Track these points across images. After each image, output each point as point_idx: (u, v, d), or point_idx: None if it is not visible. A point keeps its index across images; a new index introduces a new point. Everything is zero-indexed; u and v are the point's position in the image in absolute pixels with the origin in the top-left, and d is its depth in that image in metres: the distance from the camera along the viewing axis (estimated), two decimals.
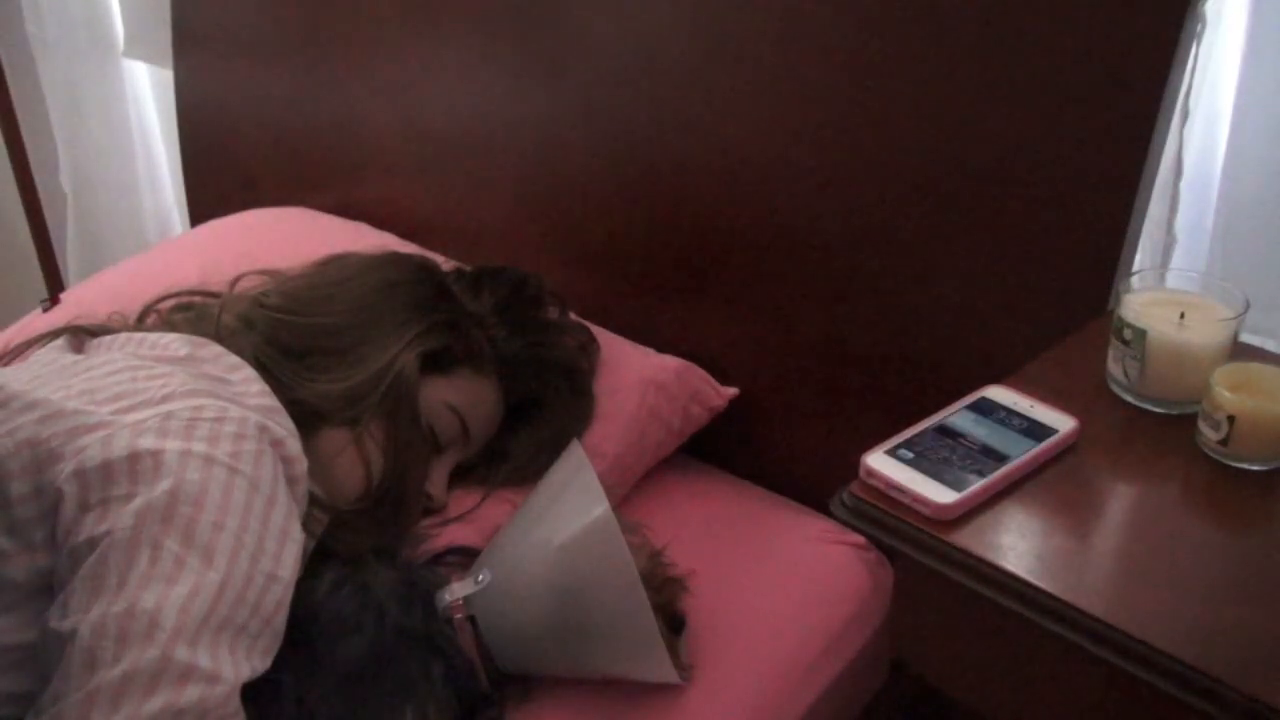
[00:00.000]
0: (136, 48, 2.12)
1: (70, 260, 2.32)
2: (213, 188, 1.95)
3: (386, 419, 1.08)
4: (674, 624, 1.08)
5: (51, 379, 0.97)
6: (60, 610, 0.84)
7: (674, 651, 1.06)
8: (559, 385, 1.24)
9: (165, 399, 0.93)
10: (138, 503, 0.85)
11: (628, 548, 1.00)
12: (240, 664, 0.85)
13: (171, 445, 0.88)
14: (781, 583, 1.23)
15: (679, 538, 1.16)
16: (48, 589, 0.88)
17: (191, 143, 1.95)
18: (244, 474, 0.90)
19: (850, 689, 1.20)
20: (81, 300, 1.44)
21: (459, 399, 1.15)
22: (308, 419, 1.05)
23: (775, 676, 1.13)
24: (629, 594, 0.99)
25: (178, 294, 1.21)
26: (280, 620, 0.90)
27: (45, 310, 1.45)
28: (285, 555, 0.91)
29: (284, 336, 1.10)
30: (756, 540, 1.28)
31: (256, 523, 0.89)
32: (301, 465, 0.98)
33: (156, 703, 0.80)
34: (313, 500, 1.03)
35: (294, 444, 0.97)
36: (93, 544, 0.84)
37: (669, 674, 1.04)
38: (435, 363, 1.13)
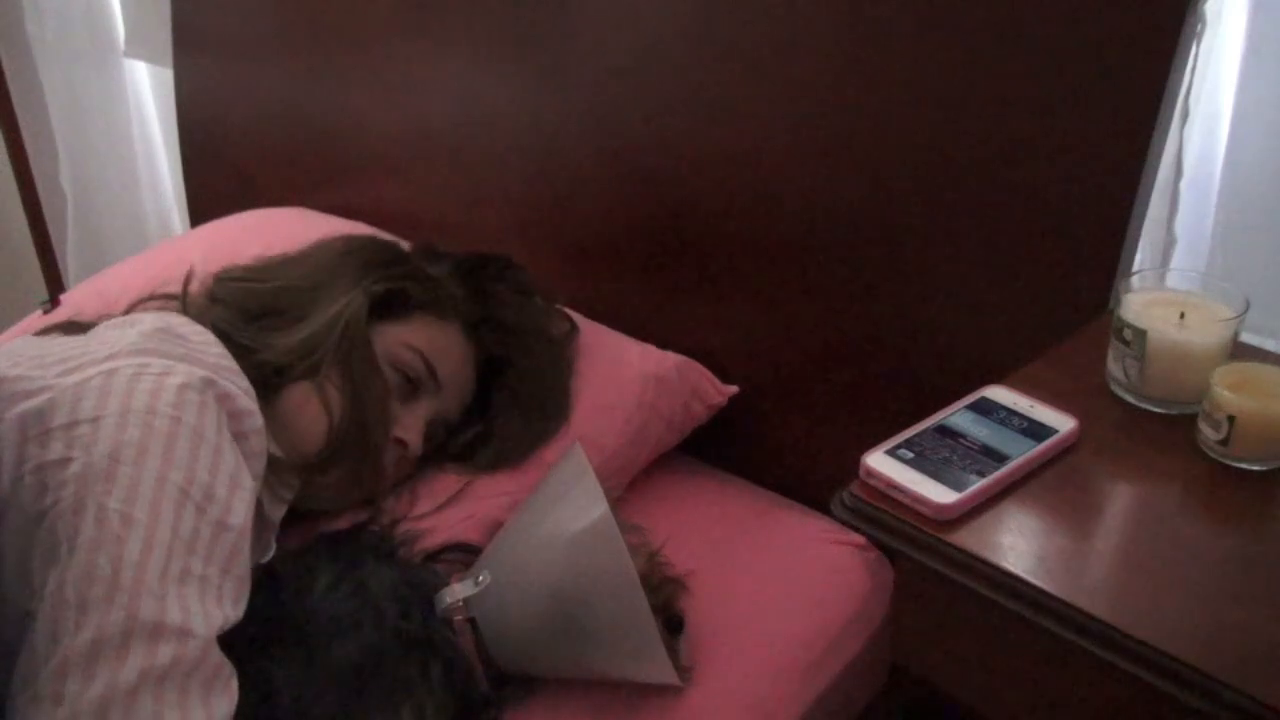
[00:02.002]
0: (136, 48, 2.12)
1: (70, 260, 2.32)
2: (212, 188, 1.95)
3: (342, 362, 1.09)
4: (673, 624, 1.08)
5: (5, 350, 0.98)
6: (27, 592, 0.83)
7: (673, 652, 1.06)
8: (527, 349, 1.25)
9: (111, 357, 0.92)
10: (76, 467, 0.84)
11: (627, 549, 1.00)
12: (211, 613, 0.84)
13: (112, 407, 0.87)
14: (782, 583, 1.23)
15: (679, 538, 1.16)
16: None
17: (191, 143, 1.95)
18: (187, 424, 0.89)
19: (850, 689, 1.20)
20: (82, 302, 1.44)
21: (419, 340, 1.15)
22: (271, 378, 1.06)
23: (775, 676, 1.13)
24: (628, 595, 0.99)
25: (163, 295, 1.21)
26: (241, 567, 0.89)
27: (45, 311, 1.45)
28: (235, 503, 0.90)
29: (243, 301, 1.12)
30: (756, 540, 1.28)
31: (204, 472, 0.88)
32: (253, 420, 0.97)
33: (133, 668, 0.79)
34: (283, 463, 1.03)
35: (245, 400, 0.97)
36: (40, 518, 0.83)
37: (668, 675, 1.04)
38: (390, 308, 1.14)
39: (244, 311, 1.10)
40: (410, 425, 1.15)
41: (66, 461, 0.85)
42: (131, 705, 0.78)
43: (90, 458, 0.85)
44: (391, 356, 1.13)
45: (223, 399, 0.94)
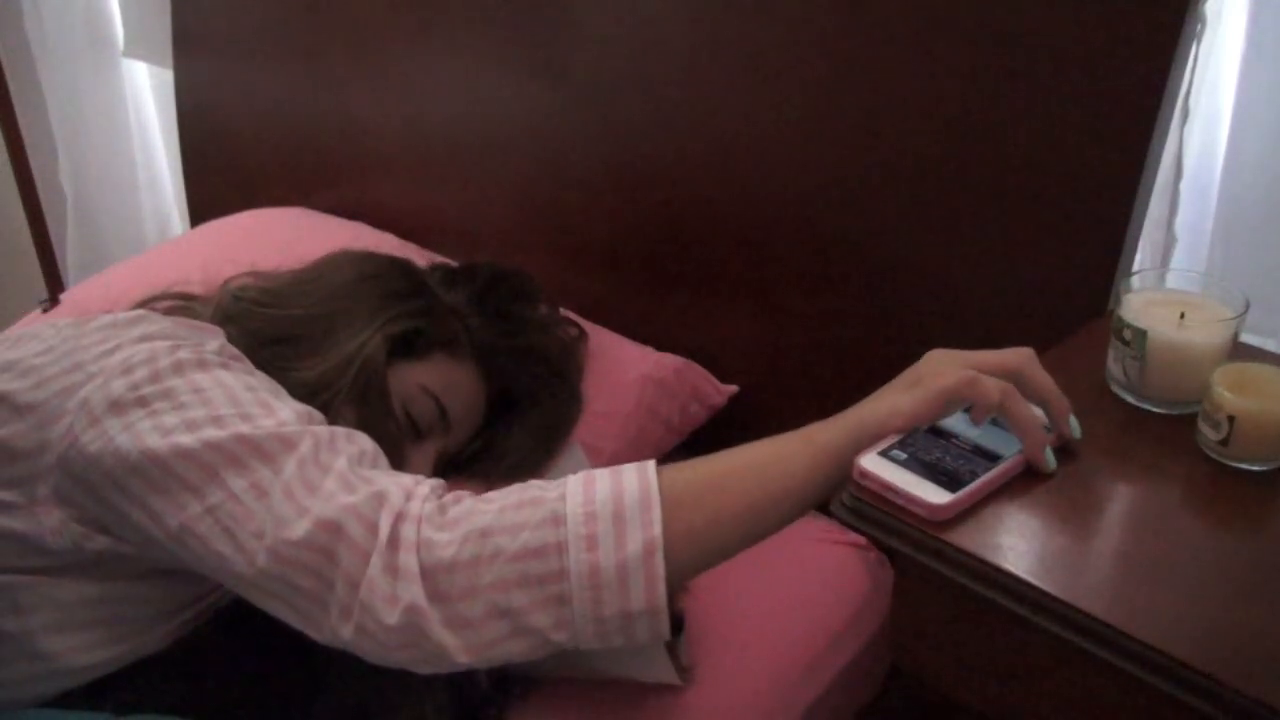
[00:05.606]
0: (136, 48, 2.12)
1: (70, 260, 2.32)
2: (212, 188, 1.95)
3: (357, 403, 1.08)
4: (673, 624, 1.08)
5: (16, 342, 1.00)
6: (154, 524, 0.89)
7: (674, 652, 1.06)
8: (540, 374, 1.24)
9: (145, 337, 0.96)
10: (134, 408, 0.91)
11: None
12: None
13: (161, 363, 0.93)
14: (782, 583, 1.23)
15: None
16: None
17: (191, 143, 1.95)
18: (221, 361, 0.96)
19: (850, 689, 1.20)
20: (81, 300, 1.44)
21: (433, 381, 1.14)
22: None
23: (775, 677, 1.13)
24: None
25: (163, 295, 1.21)
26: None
27: (45, 311, 1.45)
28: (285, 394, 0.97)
29: (259, 327, 1.10)
30: None
31: (248, 376, 0.96)
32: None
33: (268, 422, 0.89)
34: None
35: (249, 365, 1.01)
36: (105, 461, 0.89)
37: (669, 675, 1.04)
38: (407, 347, 1.13)
39: (256, 335, 1.09)
40: (419, 465, 1.14)
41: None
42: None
43: (148, 389, 0.91)
44: (405, 398, 1.12)
45: (236, 358, 0.98)
